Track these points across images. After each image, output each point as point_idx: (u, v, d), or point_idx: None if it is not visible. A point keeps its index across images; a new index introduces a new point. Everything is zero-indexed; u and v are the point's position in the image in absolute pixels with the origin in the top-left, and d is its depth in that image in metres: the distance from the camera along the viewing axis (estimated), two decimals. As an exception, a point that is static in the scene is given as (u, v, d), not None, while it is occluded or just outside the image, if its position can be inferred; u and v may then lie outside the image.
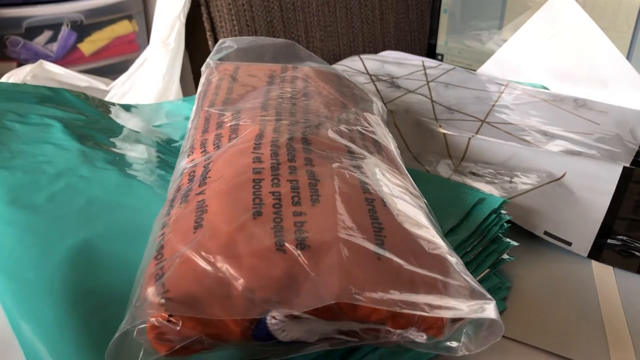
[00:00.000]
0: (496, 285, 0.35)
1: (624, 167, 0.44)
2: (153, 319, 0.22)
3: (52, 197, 0.34)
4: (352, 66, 0.68)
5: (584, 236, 0.40)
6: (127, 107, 0.49)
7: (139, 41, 1.09)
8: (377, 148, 0.33)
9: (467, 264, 0.34)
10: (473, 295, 0.24)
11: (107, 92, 0.70)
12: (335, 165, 0.29)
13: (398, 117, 0.54)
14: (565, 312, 0.34)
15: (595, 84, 0.65)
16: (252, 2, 0.82)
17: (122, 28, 1.06)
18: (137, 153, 0.40)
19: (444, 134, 0.51)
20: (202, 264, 0.23)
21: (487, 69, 0.72)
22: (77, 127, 0.41)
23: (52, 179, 0.35)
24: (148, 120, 0.48)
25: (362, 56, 0.72)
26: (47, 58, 0.98)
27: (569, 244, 0.39)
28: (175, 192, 0.28)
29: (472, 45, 0.85)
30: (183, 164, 0.31)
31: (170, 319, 0.22)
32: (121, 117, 0.46)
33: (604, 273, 0.38)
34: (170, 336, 0.22)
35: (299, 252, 0.23)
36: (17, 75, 0.62)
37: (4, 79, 0.62)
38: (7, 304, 0.28)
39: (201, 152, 0.31)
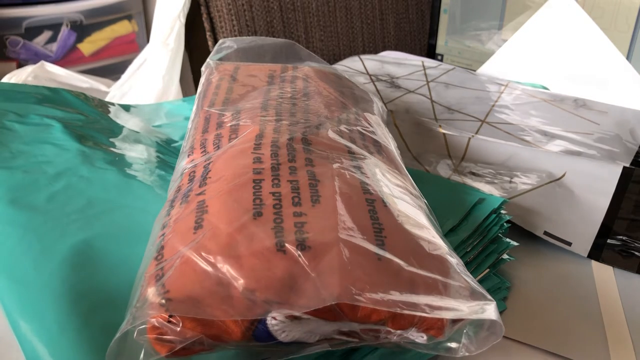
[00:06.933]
0: (496, 285, 0.35)
1: (624, 167, 0.44)
2: (153, 320, 0.22)
3: (52, 197, 0.34)
4: (352, 66, 0.68)
5: (584, 236, 0.40)
6: (126, 107, 0.49)
7: (138, 41, 1.09)
8: (377, 148, 0.33)
9: (467, 264, 0.34)
10: (473, 296, 0.24)
11: (107, 93, 0.70)
12: (335, 165, 0.29)
13: (398, 117, 0.54)
14: (565, 312, 0.34)
15: (595, 84, 0.65)
16: (252, 2, 0.82)
17: (122, 28, 1.06)
18: (136, 153, 0.40)
19: (444, 134, 0.51)
20: (203, 264, 0.23)
21: (487, 69, 0.72)
22: (77, 127, 0.41)
23: (52, 179, 0.35)
24: (148, 120, 0.48)
25: (362, 56, 0.72)
26: (47, 58, 0.98)
27: (569, 244, 0.39)
28: (176, 192, 0.28)
29: (472, 45, 0.85)
30: (183, 164, 0.31)
31: (171, 319, 0.22)
32: (121, 117, 0.46)
33: (604, 273, 0.38)
34: (171, 337, 0.22)
35: (299, 252, 0.23)
36: (18, 76, 0.62)
37: (5, 80, 0.62)
38: (7, 304, 0.28)
39: (201, 152, 0.31)
